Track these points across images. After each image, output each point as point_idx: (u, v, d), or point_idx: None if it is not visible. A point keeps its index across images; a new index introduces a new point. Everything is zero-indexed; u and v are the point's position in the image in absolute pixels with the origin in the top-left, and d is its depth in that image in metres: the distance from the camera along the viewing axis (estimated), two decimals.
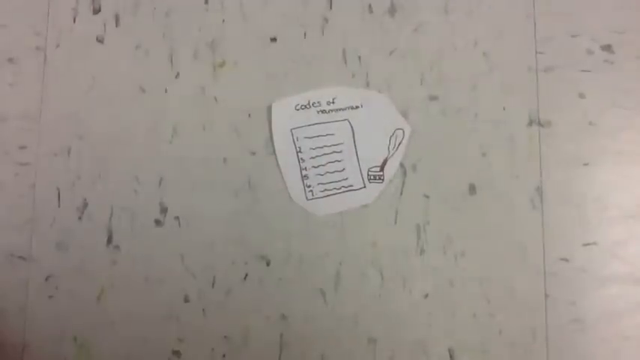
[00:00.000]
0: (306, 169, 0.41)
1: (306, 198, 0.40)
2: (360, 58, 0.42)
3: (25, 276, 0.40)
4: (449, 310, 0.40)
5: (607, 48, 0.42)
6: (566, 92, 0.42)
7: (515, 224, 0.41)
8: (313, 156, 0.41)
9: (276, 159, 0.41)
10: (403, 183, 0.41)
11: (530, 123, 0.41)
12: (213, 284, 0.40)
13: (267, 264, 0.40)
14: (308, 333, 0.40)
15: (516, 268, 0.40)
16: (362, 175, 0.41)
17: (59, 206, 0.41)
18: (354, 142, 0.41)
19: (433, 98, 0.42)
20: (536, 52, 0.42)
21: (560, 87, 0.42)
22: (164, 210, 0.41)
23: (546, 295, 0.40)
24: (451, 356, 0.39)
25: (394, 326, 0.40)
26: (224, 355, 0.40)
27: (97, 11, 0.43)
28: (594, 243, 0.40)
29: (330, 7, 0.43)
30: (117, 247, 0.41)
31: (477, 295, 0.40)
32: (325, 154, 0.41)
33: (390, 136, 0.41)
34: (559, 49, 0.42)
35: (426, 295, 0.40)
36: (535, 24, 0.42)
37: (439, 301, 0.40)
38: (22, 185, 0.41)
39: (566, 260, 0.40)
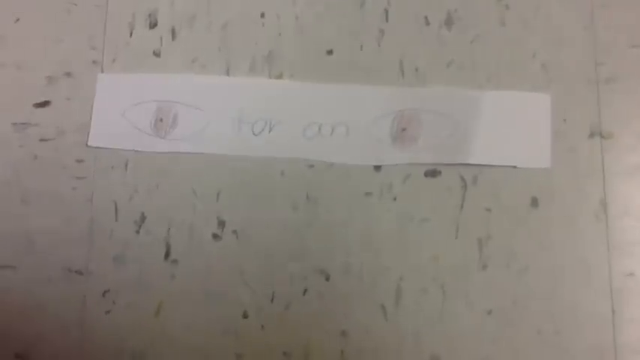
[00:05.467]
0: None
1: None
2: (417, 70, 0.39)
3: (83, 290, 0.37)
4: (513, 327, 0.36)
5: None
6: (628, 103, 0.38)
7: (579, 238, 0.37)
8: None
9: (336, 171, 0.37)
10: (464, 196, 0.37)
11: (592, 135, 0.38)
12: (272, 299, 0.36)
13: (327, 278, 0.37)
14: (369, 349, 0.36)
15: (581, 284, 0.36)
16: None
17: (116, 220, 0.37)
18: None
19: None
20: (596, 64, 0.38)
21: (621, 98, 0.38)
22: (222, 224, 0.37)
23: (613, 311, 0.36)
24: None
25: (457, 343, 0.36)
26: None
27: (153, 25, 0.40)
28: None
29: (387, 20, 0.39)
30: (175, 261, 0.37)
31: (542, 311, 0.36)
32: None
33: None
34: (619, 60, 0.39)
35: (490, 312, 0.36)
36: (594, 34, 0.39)
37: (503, 317, 0.36)
38: (79, 199, 0.38)
39: (633, 275, 0.36)
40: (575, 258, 0.37)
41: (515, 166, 0.38)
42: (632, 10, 0.39)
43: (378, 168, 0.38)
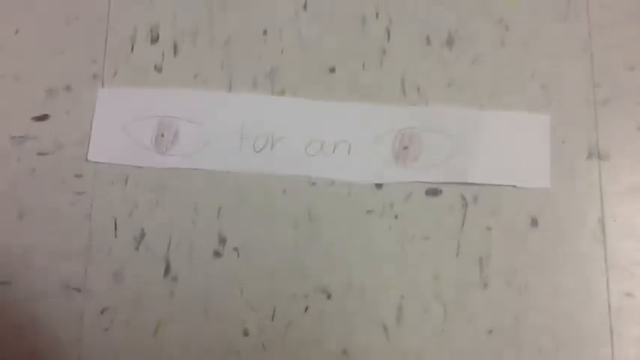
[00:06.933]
0: None
1: None
2: (418, 89, 0.38)
3: (80, 308, 0.36)
4: (514, 346, 0.36)
5: None
6: (625, 125, 0.38)
7: (578, 258, 0.36)
8: None
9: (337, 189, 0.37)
10: (464, 215, 0.37)
11: (590, 155, 0.37)
12: (273, 317, 0.35)
13: (328, 297, 0.36)
14: None
15: (580, 303, 0.36)
16: None
17: (116, 236, 0.36)
18: None
19: None
20: (594, 85, 0.38)
21: (619, 119, 0.38)
22: (223, 241, 0.36)
23: (612, 331, 0.35)
24: None
25: None
26: None
27: (155, 40, 0.39)
28: None
29: (389, 39, 0.39)
30: (175, 278, 0.36)
31: (542, 330, 0.36)
32: None
33: None
34: (616, 81, 0.38)
35: (491, 331, 0.35)
36: (592, 56, 0.38)
37: (504, 336, 0.36)
38: (77, 215, 0.37)
39: (631, 295, 0.36)
40: (573, 277, 0.36)
41: (515, 186, 0.37)
42: (629, 33, 0.39)
43: (379, 186, 0.37)
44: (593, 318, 0.36)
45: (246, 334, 0.36)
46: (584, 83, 0.39)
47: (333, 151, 0.38)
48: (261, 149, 0.38)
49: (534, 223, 0.37)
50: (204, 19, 0.39)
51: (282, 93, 0.38)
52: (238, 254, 0.36)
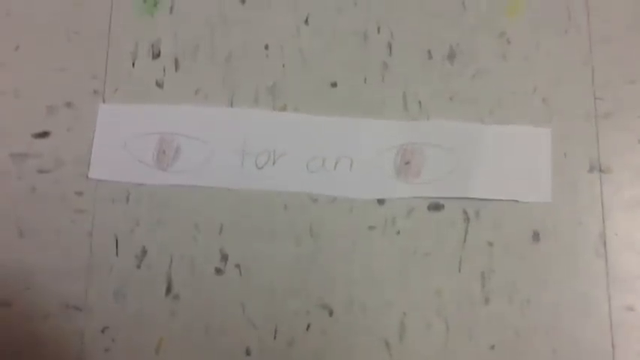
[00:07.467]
0: None
1: None
2: (420, 103, 0.38)
3: (81, 327, 0.35)
4: None
5: None
6: (626, 138, 0.38)
7: (580, 272, 0.36)
8: None
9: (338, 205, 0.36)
10: (466, 230, 0.36)
11: (591, 169, 0.37)
12: (275, 335, 0.35)
13: (330, 314, 0.35)
14: None
15: (582, 318, 0.35)
16: None
17: (117, 254, 0.36)
18: None
19: None
20: (595, 98, 0.38)
21: (620, 133, 0.38)
22: (224, 258, 0.36)
23: (613, 346, 0.35)
24: None
25: None
26: None
27: (156, 56, 0.38)
28: None
29: (390, 53, 0.38)
30: (176, 296, 0.35)
31: (544, 345, 0.35)
32: None
33: None
34: (617, 95, 0.38)
35: (493, 346, 0.35)
36: (593, 70, 0.38)
37: (506, 351, 0.35)
38: (78, 232, 0.36)
39: (632, 309, 0.35)
40: (575, 292, 0.36)
41: (516, 200, 0.37)
42: (629, 47, 0.39)
43: (381, 202, 0.37)
44: (594, 332, 0.35)
45: (248, 352, 0.35)
46: (586, 97, 0.38)
47: (335, 167, 0.37)
48: (263, 165, 0.37)
49: (536, 237, 0.36)
50: (205, 34, 0.39)
51: (284, 108, 0.38)
52: (240, 271, 0.36)
